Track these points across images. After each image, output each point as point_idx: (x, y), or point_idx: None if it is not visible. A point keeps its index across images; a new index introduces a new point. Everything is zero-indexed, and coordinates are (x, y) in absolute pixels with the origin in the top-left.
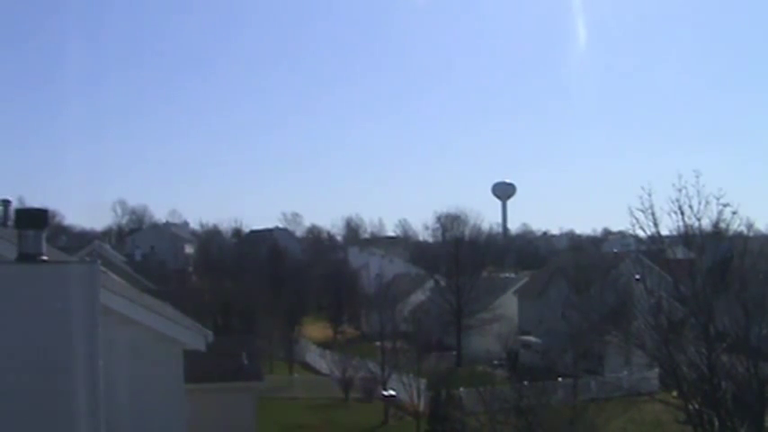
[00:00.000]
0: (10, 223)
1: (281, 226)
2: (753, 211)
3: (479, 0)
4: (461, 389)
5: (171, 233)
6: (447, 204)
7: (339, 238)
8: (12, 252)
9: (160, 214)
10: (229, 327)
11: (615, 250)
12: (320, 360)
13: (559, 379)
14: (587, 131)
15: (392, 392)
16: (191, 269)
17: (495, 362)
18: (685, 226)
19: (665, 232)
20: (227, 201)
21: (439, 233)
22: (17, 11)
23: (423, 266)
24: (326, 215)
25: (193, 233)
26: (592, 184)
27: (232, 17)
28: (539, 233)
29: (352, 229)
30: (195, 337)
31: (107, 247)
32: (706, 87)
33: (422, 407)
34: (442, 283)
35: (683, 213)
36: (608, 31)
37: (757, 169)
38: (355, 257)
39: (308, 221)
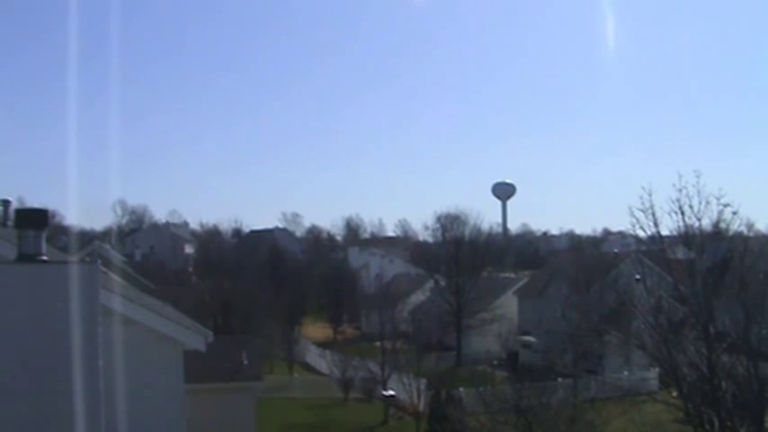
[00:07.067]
0: (10, 223)
1: (281, 226)
2: (753, 211)
3: (479, 2)
4: (461, 389)
5: (171, 233)
6: (447, 204)
7: (339, 238)
8: (12, 252)
9: (160, 214)
10: (229, 327)
11: (615, 250)
12: (320, 360)
13: (559, 379)
14: (587, 131)
15: (392, 392)
16: (191, 269)
17: (495, 362)
18: (685, 226)
19: (665, 232)
20: (227, 201)
21: (439, 233)
22: (17, 10)
23: (423, 266)
24: (326, 215)
25: (193, 233)
26: (592, 184)
27: (235, 21)
28: (539, 233)
29: (352, 229)
30: (195, 337)
31: (107, 247)
32: (706, 87)
33: (422, 407)
34: (442, 283)
35: (683, 213)
36: (607, 33)
37: (757, 169)
38: (355, 257)
39: (307, 221)
